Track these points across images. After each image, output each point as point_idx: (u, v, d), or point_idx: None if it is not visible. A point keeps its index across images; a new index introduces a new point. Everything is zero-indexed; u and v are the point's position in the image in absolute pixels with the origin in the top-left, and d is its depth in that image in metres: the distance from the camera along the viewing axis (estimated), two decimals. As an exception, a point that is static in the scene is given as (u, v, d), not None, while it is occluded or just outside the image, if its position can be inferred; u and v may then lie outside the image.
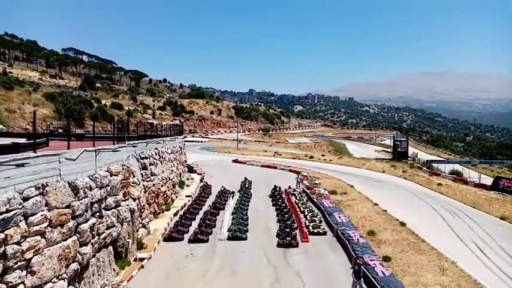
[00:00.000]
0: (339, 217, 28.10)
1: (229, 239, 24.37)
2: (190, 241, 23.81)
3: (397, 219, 28.73)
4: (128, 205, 19.73)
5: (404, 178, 52.97)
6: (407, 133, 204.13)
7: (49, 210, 12.89)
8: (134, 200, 20.99)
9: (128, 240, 19.40)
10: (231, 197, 35.37)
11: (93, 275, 15.69)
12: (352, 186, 43.82)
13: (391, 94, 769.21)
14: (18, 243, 11.42)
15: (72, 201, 14.17)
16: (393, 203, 34.97)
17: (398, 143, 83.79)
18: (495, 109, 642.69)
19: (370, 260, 19.30)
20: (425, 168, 63.11)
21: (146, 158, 27.01)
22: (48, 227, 12.76)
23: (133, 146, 24.63)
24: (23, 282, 11.52)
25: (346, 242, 22.60)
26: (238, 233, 24.91)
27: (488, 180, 46.73)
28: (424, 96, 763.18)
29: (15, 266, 11.28)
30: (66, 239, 13.73)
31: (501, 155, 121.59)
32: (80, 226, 14.66)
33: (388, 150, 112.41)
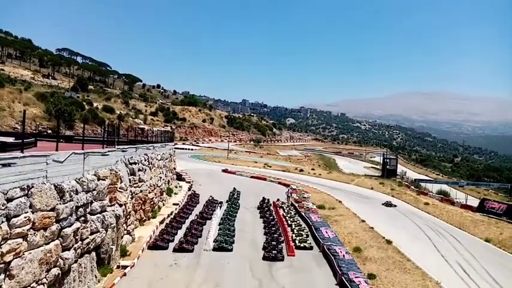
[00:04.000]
0: (326, 232, 28.07)
1: (214, 249, 24.17)
2: (175, 250, 23.54)
3: (384, 237, 28.82)
4: (113, 211, 19.46)
5: (392, 196, 53.23)
6: (396, 151, 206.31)
7: (33, 213, 12.62)
8: (120, 205, 20.73)
9: (112, 246, 19.10)
10: (218, 207, 35.14)
11: (74, 281, 15.37)
12: (340, 201, 43.89)
13: (383, 112, 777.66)
14: (-2, 245, 11.14)
15: (57, 204, 13.91)
16: (380, 221, 35.12)
17: (387, 160, 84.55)
18: (484, 131, 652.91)
19: (355, 277, 19.26)
20: (413, 187, 63.57)
21: (135, 163, 26.77)
22: (31, 230, 12.49)
23: (123, 151, 24.41)
24: (0, 286, 11.23)
25: (332, 257, 22.55)
26: (224, 244, 24.70)
27: (474, 202, 47.20)
28: (414, 116, 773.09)
29: (-6, 268, 10.99)
30: (48, 243, 13.45)
31: (488, 178, 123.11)
32: (63, 230, 14.38)
33: (378, 167, 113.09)
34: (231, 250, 24.35)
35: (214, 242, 25.01)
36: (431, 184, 70.49)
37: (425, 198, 51.34)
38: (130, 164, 25.91)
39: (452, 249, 28.09)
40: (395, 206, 45.28)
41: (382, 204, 45.89)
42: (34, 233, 12.64)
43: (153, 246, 23.90)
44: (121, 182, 21.88)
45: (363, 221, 34.32)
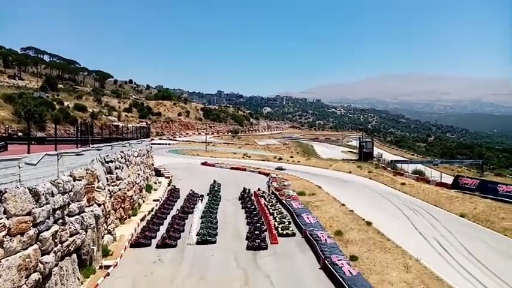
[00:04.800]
0: (307, 218, 28.43)
1: (198, 243, 24.15)
2: (158, 246, 23.41)
3: (364, 219, 29.40)
4: (92, 211, 19.15)
5: (370, 178, 54.26)
6: (372, 134, 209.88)
7: (8, 218, 12.29)
8: (99, 205, 20.39)
9: (93, 247, 18.83)
10: (199, 201, 35.04)
11: (55, 284, 15.09)
12: (320, 187, 44.42)
13: (357, 96, 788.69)
14: (-27, 254, 10.81)
15: (33, 208, 13.57)
16: (359, 203, 35.77)
17: (363, 144, 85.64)
18: (455, 110, 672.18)
19: (338, 260, 19.65)
20: (389, 168, 64.90)
21: (111, 161, 26.30)
22: (7, 236, 12.17)
23: (98, 150, 23.95)
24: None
25: (315, 242, 22.90)
26: (207, 236, 24.71)
27: (449, 179, 48.57)
28: (388, 98, 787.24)
29: (-30, 278, 10.67)
30: (26, 248, 13.14)
31: (461, 155, 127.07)
32: (41, 234, 14.07)
33: (354, 151, 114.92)
34: (214, 242, 24.39)
35: (197, 235, 24.98)
36: (406, 164, 72.11)
37: (401, 179, 52.52)
38: (107, 162, 25.45)
39: (430, 226, 28.95)
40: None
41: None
42: (10, 239, 12.32)
43: (136, 244, 23.67)
44: (98, 182, 21.52)
45: (343, 204, 34.89)
